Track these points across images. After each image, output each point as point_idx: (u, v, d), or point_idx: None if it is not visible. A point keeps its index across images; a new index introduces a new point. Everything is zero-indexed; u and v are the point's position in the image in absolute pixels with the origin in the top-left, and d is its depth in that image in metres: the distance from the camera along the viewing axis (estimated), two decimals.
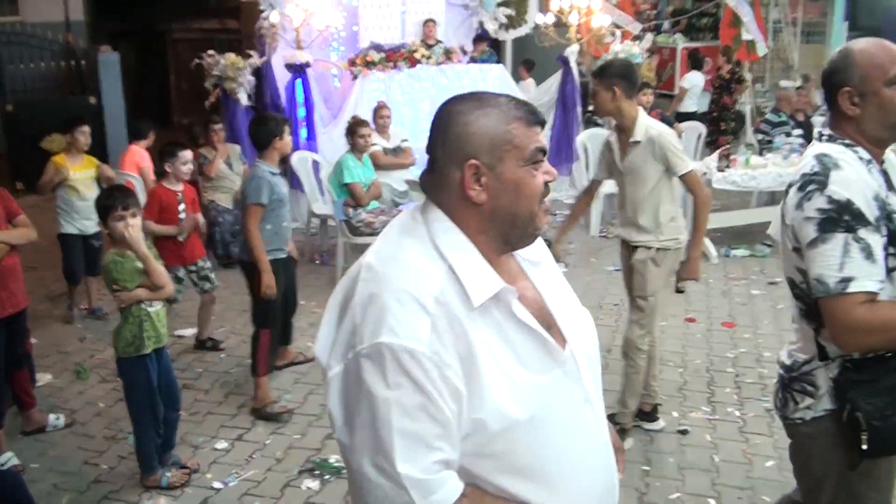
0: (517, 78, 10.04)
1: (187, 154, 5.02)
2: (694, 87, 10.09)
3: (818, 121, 8.98)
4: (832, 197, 1.88)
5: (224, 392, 4.54)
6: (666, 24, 12.80)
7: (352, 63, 8.21)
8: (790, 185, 2.05)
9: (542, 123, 1.42)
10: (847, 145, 1.99)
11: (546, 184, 1.41)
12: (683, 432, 4.01)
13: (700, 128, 8.81)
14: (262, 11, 7.80)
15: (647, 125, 3.67)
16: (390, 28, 8.74)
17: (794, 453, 2.26)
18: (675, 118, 8.98)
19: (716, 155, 7.07)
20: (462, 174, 1.36)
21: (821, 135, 2.06)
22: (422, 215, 1.41)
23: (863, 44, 2.00)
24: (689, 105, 10.16)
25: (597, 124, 9.58)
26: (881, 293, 1.88)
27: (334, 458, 3.73)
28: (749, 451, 3.84)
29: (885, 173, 2.02)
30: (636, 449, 3.85)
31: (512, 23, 9.69)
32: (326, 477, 3.63)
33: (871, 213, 1.88)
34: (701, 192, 3.80)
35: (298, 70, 7.59)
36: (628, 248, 3.90)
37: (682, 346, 5.05)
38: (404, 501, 1.24)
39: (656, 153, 3.64)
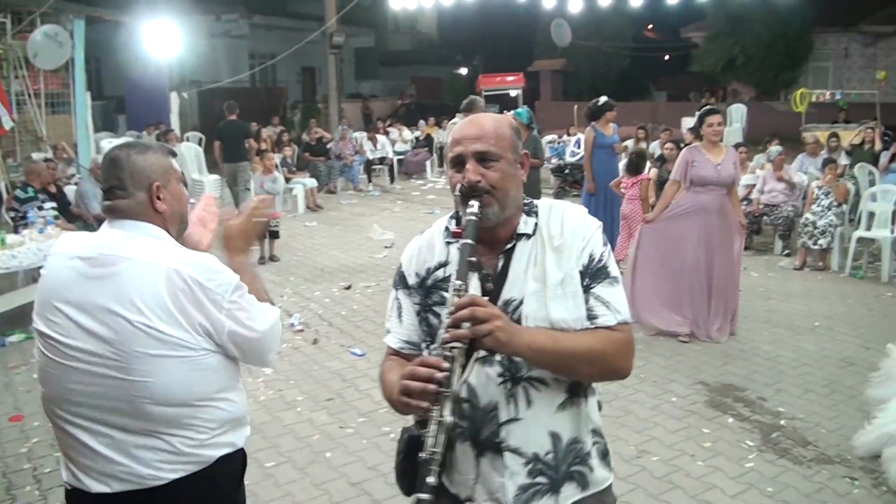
0: None
1: None
2: None
3: (69, 190, 8.78)
4: (401, 260, 2.08)
5: None
6: None
7: None
8: None
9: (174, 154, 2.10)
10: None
11: None
12: None
13: None
14: None
15: None
16: None
17: None
18: None
19: None
20: (149, 193, 1.97)
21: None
22: (131, 231, 1.96)
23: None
24: None
25: None
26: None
27: None
28: None
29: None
30: None
31: None
32: None
33: (412, 279, 2.02)
34: None
35: None
36: None
37: None
38: None
39: None
